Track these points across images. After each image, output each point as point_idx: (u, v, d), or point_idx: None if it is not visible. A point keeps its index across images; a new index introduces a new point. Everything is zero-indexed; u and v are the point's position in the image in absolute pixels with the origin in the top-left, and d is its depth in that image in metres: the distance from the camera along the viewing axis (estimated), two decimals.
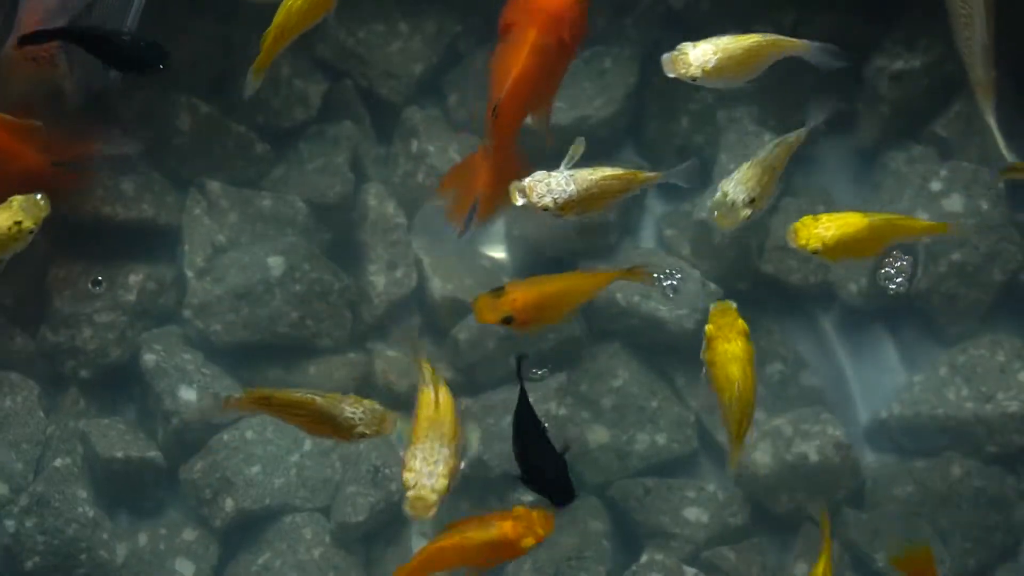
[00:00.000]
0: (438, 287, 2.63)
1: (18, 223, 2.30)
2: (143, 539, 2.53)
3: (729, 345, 2.23)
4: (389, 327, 2.65)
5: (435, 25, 2.73)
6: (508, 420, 2.50)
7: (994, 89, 2.54)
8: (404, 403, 2.56)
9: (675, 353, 2.64)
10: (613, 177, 2.33)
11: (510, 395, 2.52)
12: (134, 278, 2.61)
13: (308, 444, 2.54)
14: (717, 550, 2.52)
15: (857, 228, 2.30)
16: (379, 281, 2.63)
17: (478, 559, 2.23)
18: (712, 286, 2.61)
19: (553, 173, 2.30)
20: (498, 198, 2.38)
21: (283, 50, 2.33)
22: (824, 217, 2.31)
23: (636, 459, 2.58)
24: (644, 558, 2.51)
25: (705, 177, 2.67)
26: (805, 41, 2.37)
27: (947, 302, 2.62)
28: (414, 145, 2.69)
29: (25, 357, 2.60)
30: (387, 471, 2.51)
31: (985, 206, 2.62)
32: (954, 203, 2.62)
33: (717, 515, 2.54)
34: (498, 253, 2.72)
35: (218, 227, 2.63)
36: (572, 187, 2.29)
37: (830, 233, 2.29)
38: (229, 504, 2.51)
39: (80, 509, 2.48)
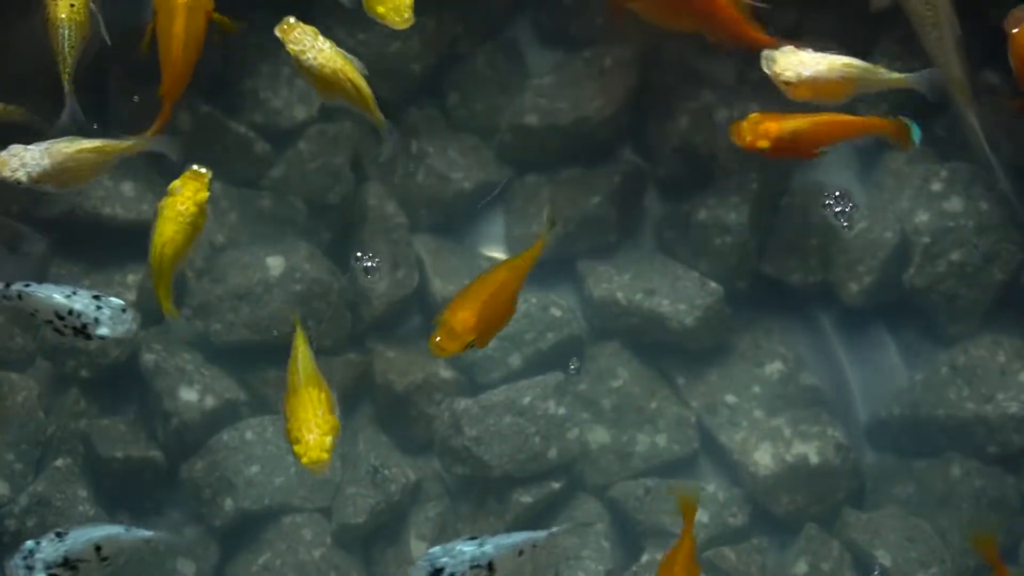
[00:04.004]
0: (439, 287, 2.63)
1: (198, 192, 2.33)
2: None
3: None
4: (388, 326, 2.66)
5: (435, 25, 2.72)
6: (508, 420, 2.51)
7: (972, 85, 2.53)
8: (404, 402, 2.58)
9: (676, 353, 2.64)
10: (90, 150, 2.36)
11: (510, 395, 2.53)
12: (133, 278, 2.62)
13: None
14: (717, 550, 2.52)
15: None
16: (379, 281, 2.64)
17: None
18: (712, 284, 2.61)
19: (29, 147, 2.34)
20: None
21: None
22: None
23: (637, 460, 2.58)
24: (645, 558, 2.52)
25: (708, 178, 2.68)
26: None
27: (947, 302, 2.62)
28: (414, 145, 2.70)
29: (25, 357, 2.61)
30: (386, 472, 2.51)
31: (985, 206, 2.61)
32: (954, 204, 2.62)
33: (717, 515, 2.54)
34: (498, 254, 2.72)
35: (218, 227, 2.63)
36: (46, 160, 2.32)
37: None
38: (229, 504, 2.51)
39: (81, 509, 2.48)
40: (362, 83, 2.38)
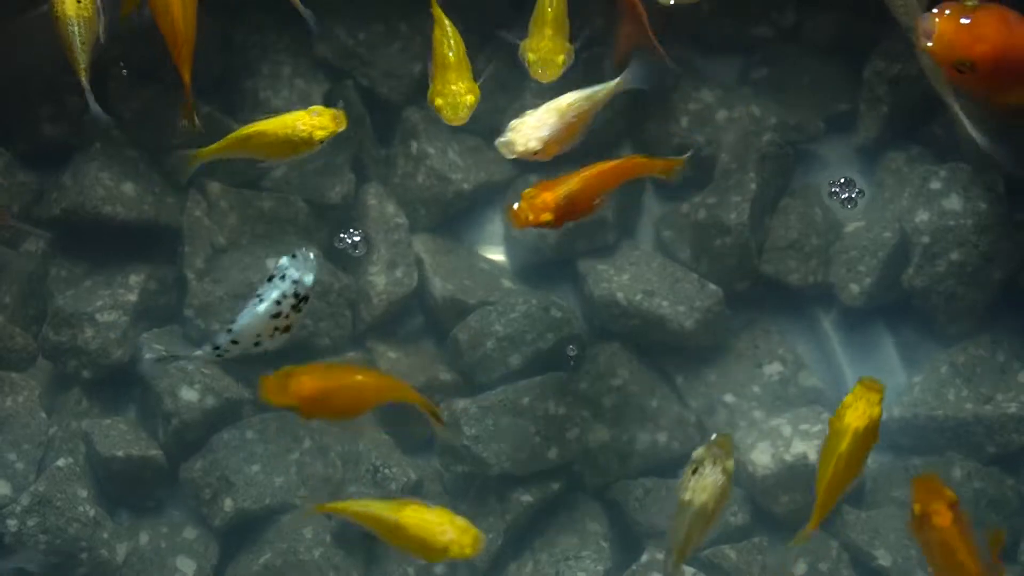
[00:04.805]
0: (438, 287, 2.63)
1: (320, 129, 2.34)
2: (144, 538, 2.53)
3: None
4: (389, 327, 2.66)
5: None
6: (507, 420, 2.51)
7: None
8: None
9: (675, 353, 2.64)
10: None
11: (509, 395, 2.54)
12: (135, 278, 2.62)
13: (308, 442, 2.55)
14: (717, 549, 2.52)
15: None
16: (379, 281, 2.64)
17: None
18: (711, 286, 2.61)
19: None
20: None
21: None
22: None
23: (637, 458, 2.58)
24: (644, 557, 2.52)
25: (708, 178, 2.68)
26: None
27: (946, 302, 2.61)
28: (414, 146, 2.70)
29: (26, 357, 2.61)
30: (387, 471, 2.52)
31: (984, 206, 2.61)
32: (953, 203, 2.62)
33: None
34: (497, 255, 2.73)
35: (218, 228, 2.63)
36: None
37: None
38: (229, 504, 2.51)
39: (81, 508, 2.49)
40: None
